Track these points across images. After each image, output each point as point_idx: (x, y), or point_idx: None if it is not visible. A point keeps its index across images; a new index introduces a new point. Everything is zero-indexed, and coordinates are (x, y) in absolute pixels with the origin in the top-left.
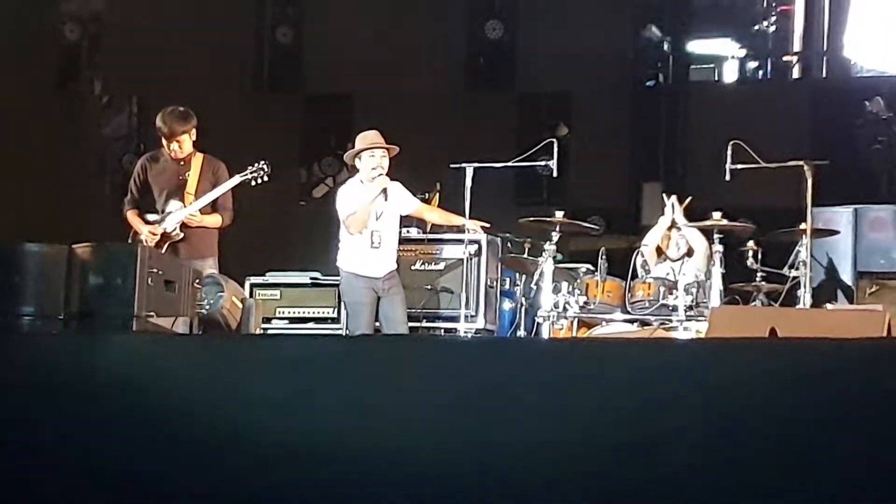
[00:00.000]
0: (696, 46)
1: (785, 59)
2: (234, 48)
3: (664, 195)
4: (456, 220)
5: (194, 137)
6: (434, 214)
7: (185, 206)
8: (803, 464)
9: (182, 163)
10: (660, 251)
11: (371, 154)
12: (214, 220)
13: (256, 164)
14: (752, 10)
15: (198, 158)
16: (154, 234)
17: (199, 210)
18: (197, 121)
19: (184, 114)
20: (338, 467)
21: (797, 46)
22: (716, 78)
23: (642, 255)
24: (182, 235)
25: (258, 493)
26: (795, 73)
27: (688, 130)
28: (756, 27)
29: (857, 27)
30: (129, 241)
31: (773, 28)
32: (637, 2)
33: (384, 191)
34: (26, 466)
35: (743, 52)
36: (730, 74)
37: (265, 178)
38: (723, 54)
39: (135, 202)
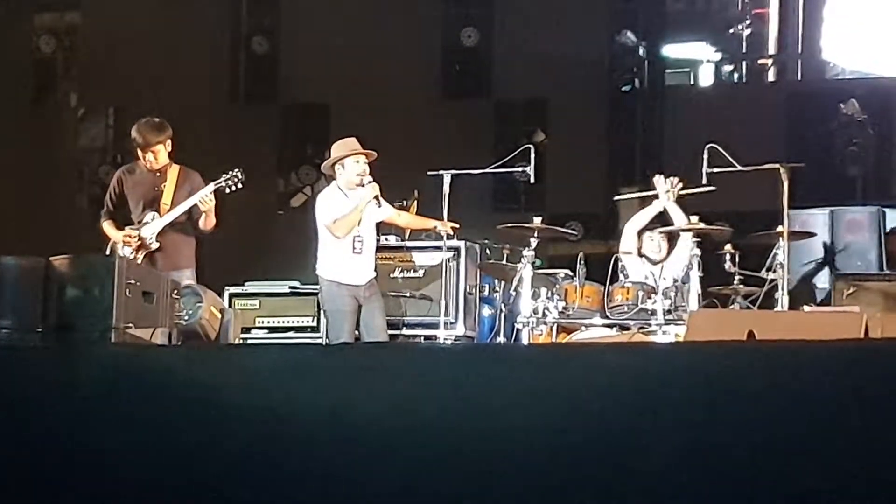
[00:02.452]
0: (671, 51)
1: (760, 62)
2: (211, 58)
3: (657, 178)
4: (427, 223)
5: (169, 148)
6: (406, 219)
7: (160, 217)
8: (781, 465)
9: (158, 174)
10: (639, 252)
11: (356, 160)
12: (213, 218)
13: (231, 172)
14: (726, 14)
15: (174, 170)
16: (130, 238)
17: (175, 220)
18: (172, 132)
19: (158, 124)
20: (322, 475)
21: (772, 49)
22: (691, 82)
23: (625, 244)
24: (157, 245)
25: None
26: (771, 77)
27: (664, 135)
28: (731, 30)
29: (831, 29)
30: (107, 252)
31: (748, 31)
32: (612, 7)
33: (376, 197)
34: (4, 480)
35: (718, 56)
36: (705, 78)
37: (239, 186)
38: (698, 58)
39: (110, 214)
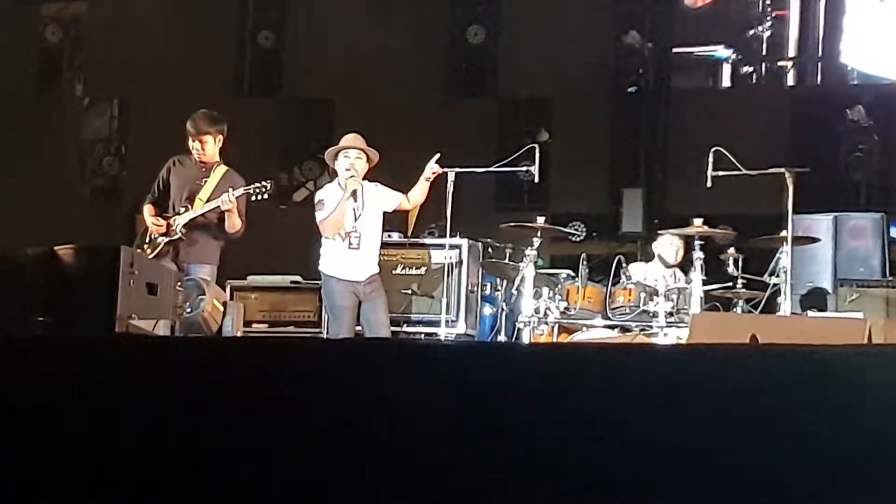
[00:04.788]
0: (683, 52)
1: (780, 64)
2: (216, 51)
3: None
4: (421, 185)
5: (220, 145)
6: (412, 194)
7: (192, 210)
8: (784, 469)
9: (204, 169)
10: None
11: (345, 155)
12: (237, 220)
13: (262, 182)
14: (747, 15)
15: (220, 169)
16: (158, 224)
17: (206, 217)
18: (226, 128)
19: (213, 117)
20: (321, 473)
21: (792, 52)
22: (710, 83)
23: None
24: (179, 235)
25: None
26: (790, 80)
27: (669, 137)
28: (751, 32)
29: (852, 33)
30: (140, 236)
31: (767, 33)
32: (618, 8)
33: (353, 193)
34: (9, 470)
35: (736, 58)
36: (719, 80)
37: (265, 196)
38: (714, 59)
39: (153, 200)
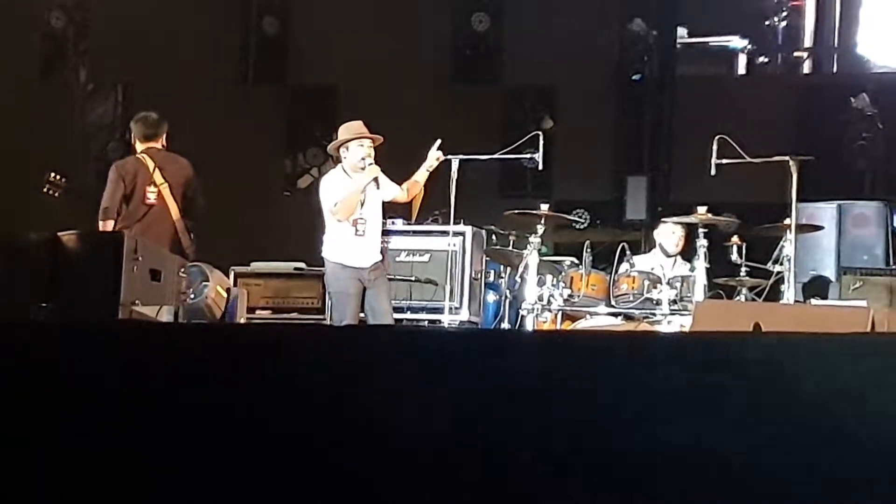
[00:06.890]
0: (698, 41)
1: (795, 54)
2: (221, 37)
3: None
4: (421, 174)
5: (134, 139)
6: (408, 190)
7: None
8: (786, 458)
9: None
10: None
11: (360, 143)
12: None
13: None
14: (762, 6)
15: None
16: None
17: None
18: (133, 124)
19: None
20: (326, 463)
21: (808, 42)
22: (724, 72)
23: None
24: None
25: (249, 490)
26: (805, 70)
27: (673, 124)
28: (767, 22)
29: (869, 23)
30: None
31: (783, 24)
32: None
33: (375, 179)
34: (10, 456)
35: (751, 48)
36: (734, 69)
37: (49, 190)
38: (729, 50)
39: None
